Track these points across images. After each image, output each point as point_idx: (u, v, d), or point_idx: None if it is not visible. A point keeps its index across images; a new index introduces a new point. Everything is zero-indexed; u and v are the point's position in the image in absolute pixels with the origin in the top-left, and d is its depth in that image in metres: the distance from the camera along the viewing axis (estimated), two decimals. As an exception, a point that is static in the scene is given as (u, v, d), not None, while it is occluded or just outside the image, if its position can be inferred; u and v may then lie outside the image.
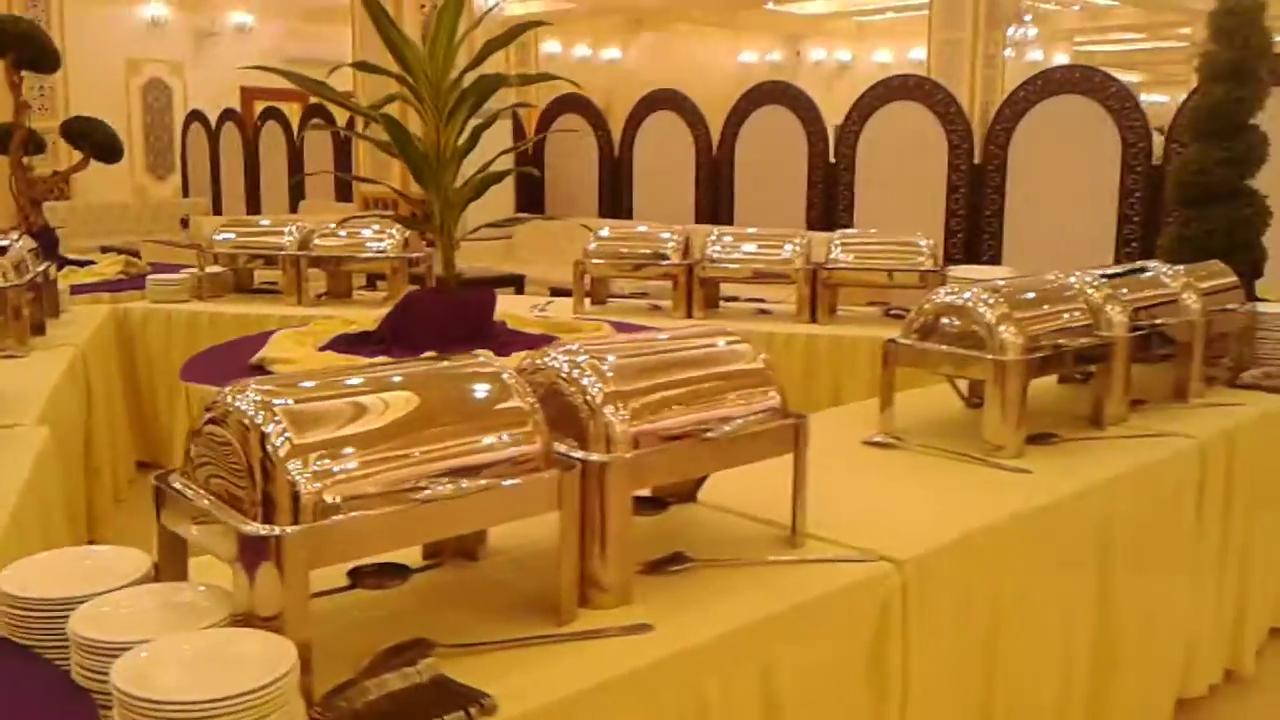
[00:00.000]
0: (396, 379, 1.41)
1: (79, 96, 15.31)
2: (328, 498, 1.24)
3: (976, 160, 6.96)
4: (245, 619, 1.20)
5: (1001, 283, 2.54)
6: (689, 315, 4.07)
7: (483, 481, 1.36)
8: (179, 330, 4.24)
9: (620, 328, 3.26)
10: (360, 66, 3.02)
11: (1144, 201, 6.34)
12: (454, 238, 3.03)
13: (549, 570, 1.46)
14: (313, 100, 12.69)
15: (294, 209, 11.18)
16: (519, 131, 8.04)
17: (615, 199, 8.54)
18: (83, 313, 4.10)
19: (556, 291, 6.10)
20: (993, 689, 1.88)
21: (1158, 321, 2.67)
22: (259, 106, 14.03)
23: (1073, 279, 2.66)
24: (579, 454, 1.47)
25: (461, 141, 2.93)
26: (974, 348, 2.31)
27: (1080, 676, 2.12)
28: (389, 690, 1.21)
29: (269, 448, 1.24)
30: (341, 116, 10.20)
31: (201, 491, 1.30)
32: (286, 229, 4.47)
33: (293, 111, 12.68)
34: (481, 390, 1.45)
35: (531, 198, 8.82)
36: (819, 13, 21.88)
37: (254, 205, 11.84)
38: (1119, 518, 2.16)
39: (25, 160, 4.79)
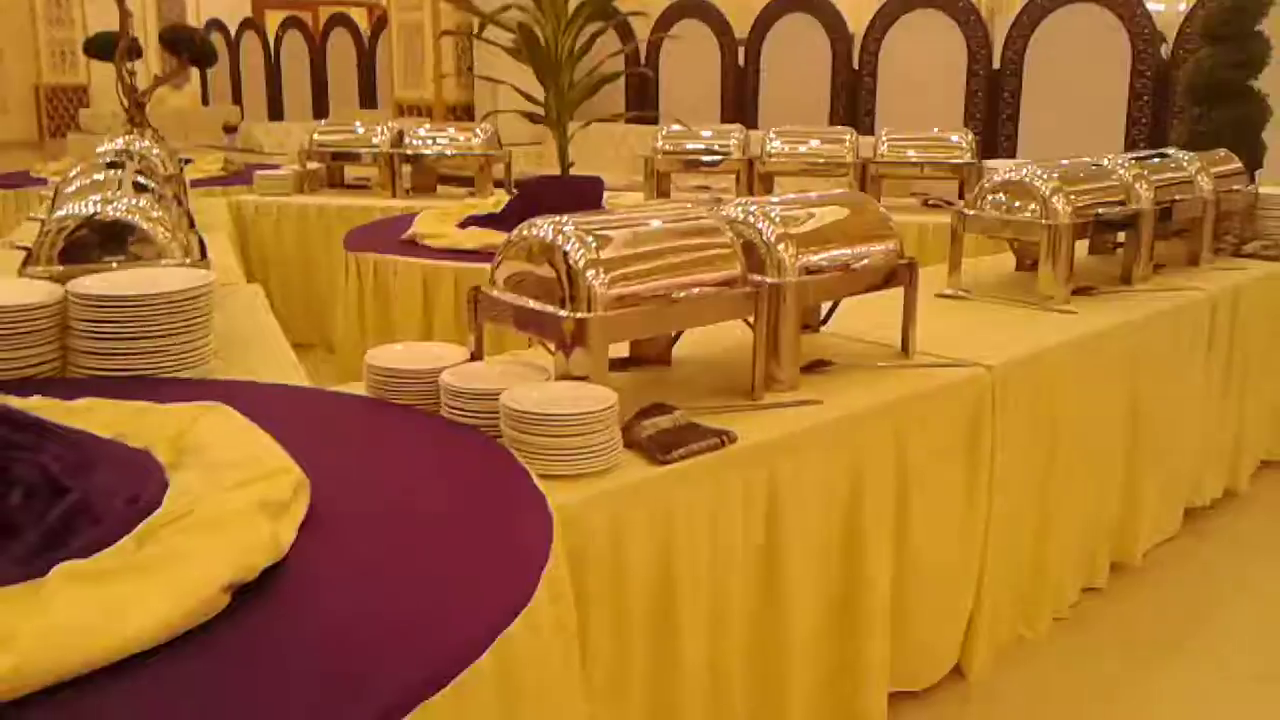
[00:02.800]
0: (652, 222, 1.91)
1: (95, 5, 15.49)
2: (612, 294, 1.75)
3: (995, 65, 7.37)
4: (564, 377, 1.72)
5: (1051, 164, 3.03)
6: (750, 205, 4.55)
7: (709, 295, 1.88)
8: (289, 220, 4.70)
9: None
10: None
11: (1151, 104, 6.79)
12: (568, 132, 3.51)
13: (728, 369, 1.98)
14: (335, 10, 13.00)
15: (321, 115, 11.54)
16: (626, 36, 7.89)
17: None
18: (203, 205, 4.57)
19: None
20: (1052, 473, 2.43)
21: (1177, 198, 3.18)
22: (270, 16, 14.26)
23: (1105, 161, 3.15)
24: (759, 277, 1.99)
25: (578, 46, 3.39)
26: (1030, 216, 2.82)
27: (1115, 473, 2.67)
28: (661, 427, 1.74)
29: (573, 260, 1.75)
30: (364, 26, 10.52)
31: (517, 296, 1.82)
32: (378, 129, 4.91)
33: (312, 20, 12.95)
34: (705, 231, 1.95)
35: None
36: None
37: (276, 112, 12.15)
38: (1145, 351, 2.69)
39: (128, 66, 5.20)
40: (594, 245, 1.78)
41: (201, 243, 2.49)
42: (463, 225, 3.47)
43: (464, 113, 9.50)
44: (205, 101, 13.87)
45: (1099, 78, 6.90)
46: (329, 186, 5.08)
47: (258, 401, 1.67)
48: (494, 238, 3.21)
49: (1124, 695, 2.35)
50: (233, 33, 12.82)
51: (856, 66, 8.04)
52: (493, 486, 1.47)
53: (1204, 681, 2.41)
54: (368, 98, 11.30)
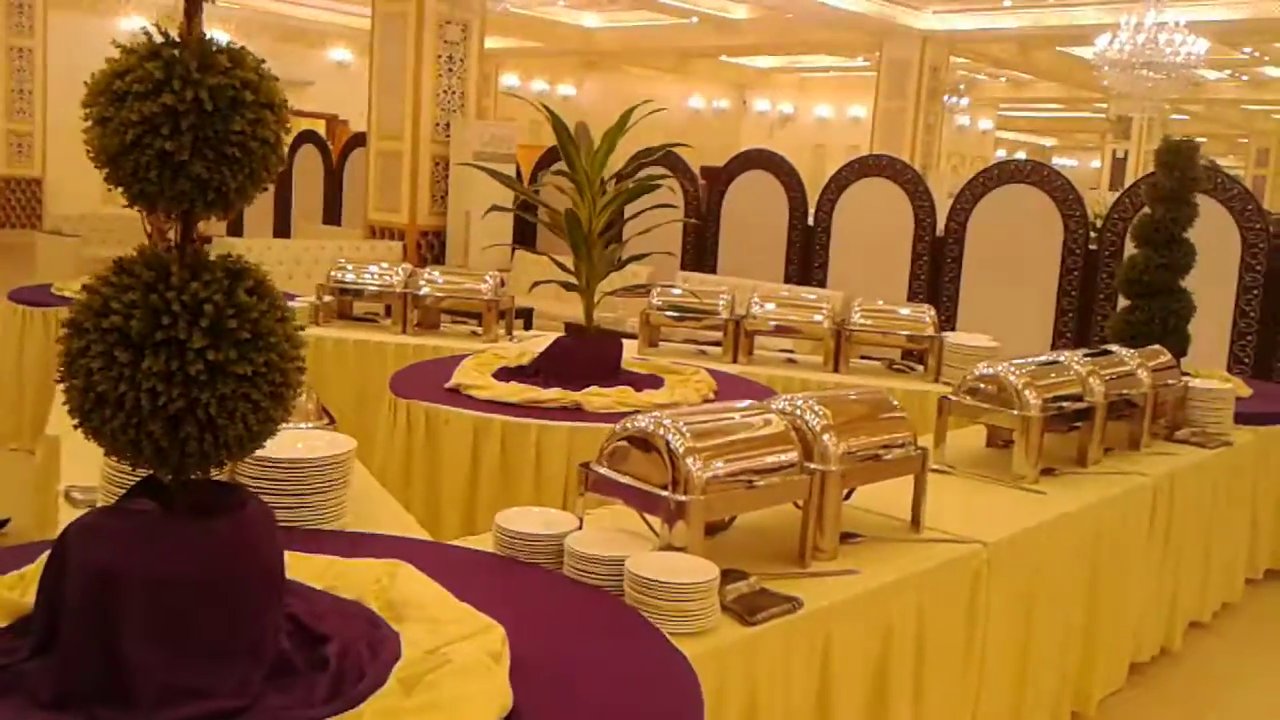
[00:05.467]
0: (729, 417, 2.33)
1: (57, 105, 15.73)
2: (705, 478, 2.15)
3: (940, 233, 8.06)
4: (666, 547, 2.11)
5: (1020, 361, 3.52)
6: (734, 361, 5.01)
7: (775, 479, 2.29)
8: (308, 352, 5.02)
9: (713, 373, 4.19)
10: (558, 173, 3.88)
11: (1080, 280, 7.49)
12: (594, 296, 3.95)
13: (777, 537, 2.39)
14: (305, 126, 13.47)
15: (282, 231, 11.88)
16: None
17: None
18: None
19: (572, 328, 7.02)
20: (1030, 635, 2.85)
21: (1124, 391, 3.70)
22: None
23: (1062, 358, 3.67)
24: (813, 465, 2.41)
25: (606, 221, 3.86)
26: (1005, 406, 3.30)
27: (1076, 634, 3.11)
28: (741, 592, 2.13)
29: (675, 448, 2.15)
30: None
31: (624, 475, 2.21)
32: (394, 271, 5.32)
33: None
34: (768, 425, 2.37)
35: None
36: (766, 66, 23.18)
37: (235, 228, 12.29)
38: (1102, 528, 3.16)
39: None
40: (690, 436, 2.19)
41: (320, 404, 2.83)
42: (499, 376, 3.85)
43: (435, 236, 9.96)
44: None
45: (1035, 252, 7.60)
46: (339, 318, 5.42)
47: (406, 557, 2.01)
48: (536, 393, 3.60)
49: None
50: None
51: (811, 223, 8.69)
52: (634, 641, 1.84)
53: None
54: (332, 215, 11.68)
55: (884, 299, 5.43)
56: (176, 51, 1.44)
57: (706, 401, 3.79)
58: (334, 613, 1.73)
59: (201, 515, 1.50)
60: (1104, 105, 21.84)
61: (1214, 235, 4.95)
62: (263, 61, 1.52)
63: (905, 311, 5.13)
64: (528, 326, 7.20)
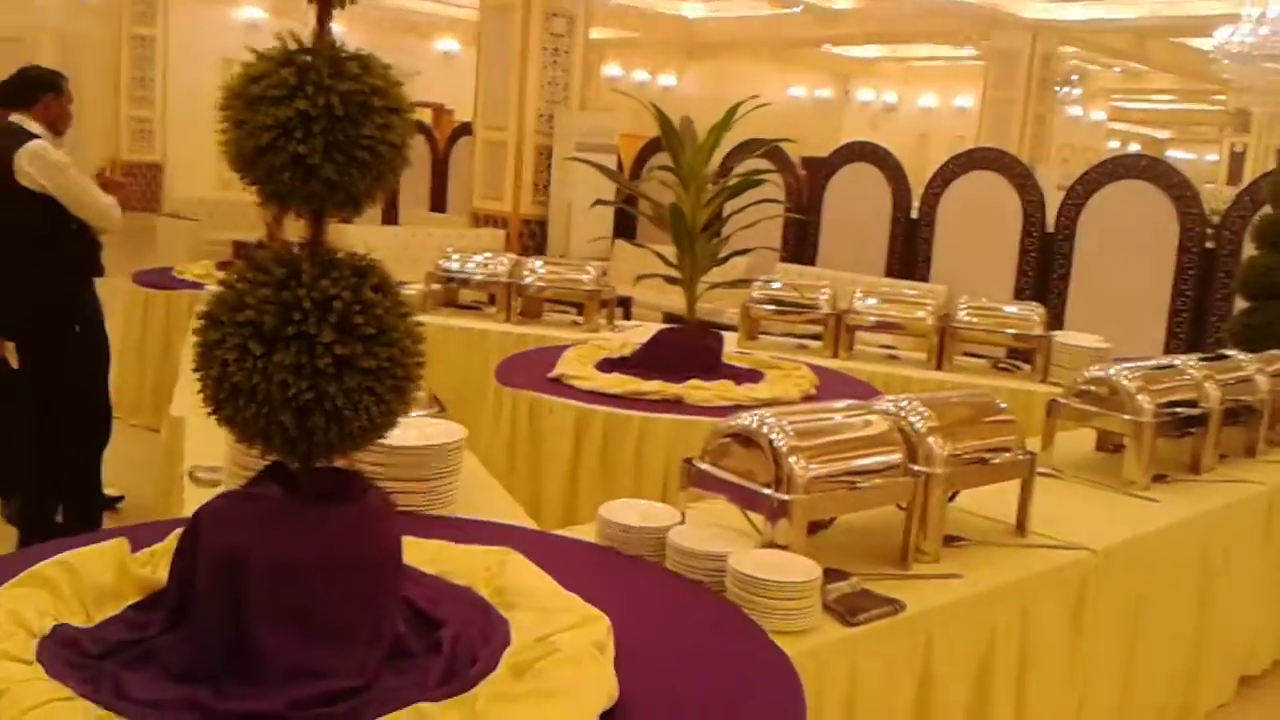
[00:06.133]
0: (832, 417, 2.34)
1: (176, 92, 16.30)
2: (809, 477, 2.16)
3: (1049, 229, 7.88)
4: (769, 544, 2.13)
5: (1133, 364, 3.45)
6: (835, 356, 4.98)
7: (879, 480, 2.29)
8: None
9: (813, 368, 4.18)
10: (664, 168, 3.92)
11: (1195, 279, 7.26)
12: (696, 289, 3.97)
13: (879, 537, 2.38)
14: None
15: (392, 220, 12.11)
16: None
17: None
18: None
19: (670, 318, 7.05)
20: (1135, 647, 2.80)
21: (1240, 398, 3.59)
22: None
23: (1177, 362, 3.58)
24: (917, 467, 2.40)
25: (710, 215, 3.88)
26: (1117, 410, 3.24)
27: (1184, 645, 3.04)
28: (843, 592, 2.13)
29: (779, 447, 2.16)
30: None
31: (727, 472, 2.23)
32: (499, 260, 5.41)
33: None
34: (872, 425, 2.37)
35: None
36: (869, 56, 22.88)
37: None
38: (1215, 537, 3.08)
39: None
40: (794, 435, 2.20)
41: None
42: (601, 368, 3.89)
43: (537, 225, 10.07)
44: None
45: (1148, 249, 7.38)
46: (445, 305, 5.53)
47: (512, 544, 2.06)
48: (638, 385, 3.64)
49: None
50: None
51: (915, 216, 8.57)
52: (735, 637, 1.86)
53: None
54: (439, 203, 11.89)
55: (989, 296, 5.34)
56: (309, 58, 1.49)
57: (808, 397, 3.79)
58: (447, 598, 1.79)
59: (326, 502, 1.57)
60: (1222, 98, 21.08)
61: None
62: (389, 66, 1.57)
63: (1012, 309, 5.04)
64: (627, 316, 7.26)
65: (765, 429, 2.21)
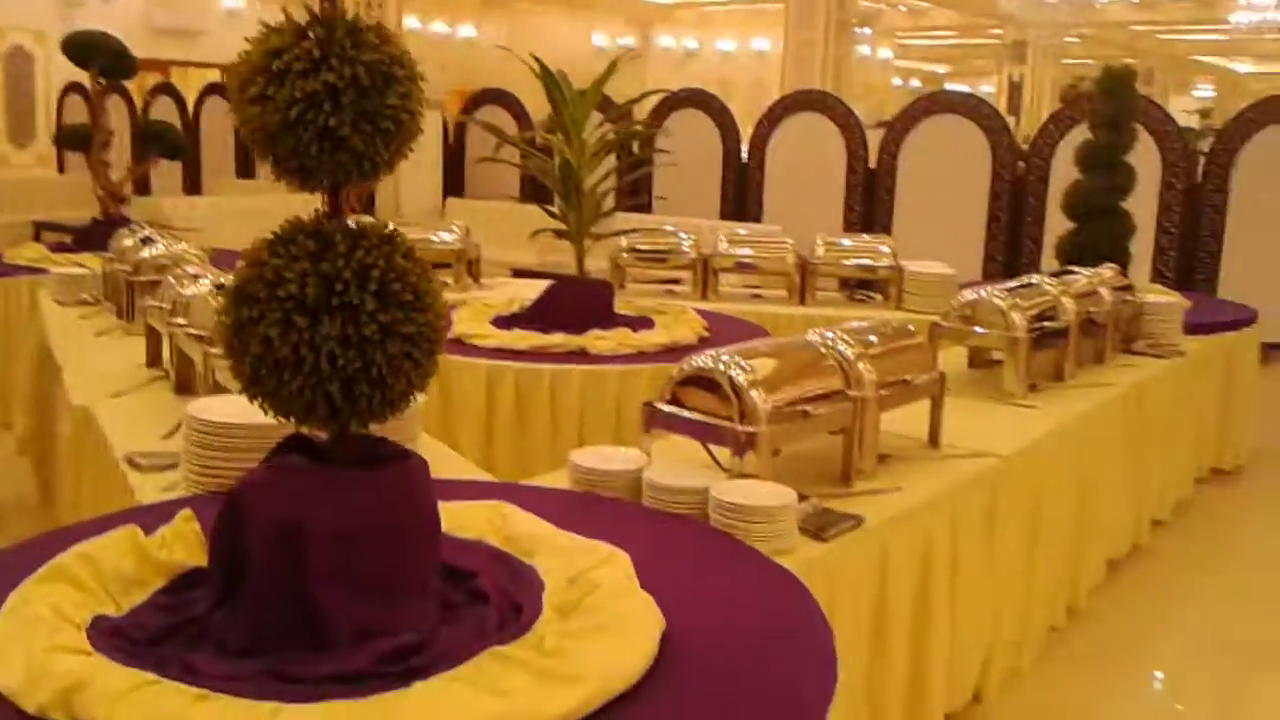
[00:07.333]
0: (778, 352, 2.48)
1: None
2: (769, 409, 2.30)
3: (871, 165, 8.28)
4: (739, 475, 2.26)
5: (998, 286, 3.73)
6: (704, 298, 5.16)
7: (825, 408, 2.46)
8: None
9: (703, 313, 4.33)
10: (551, 124, 3.95)
11: (1008, 204, 7.80)
12: (584, 242, 4.05)
13: (819, 461, 2.57)
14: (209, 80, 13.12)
15: (194, 191, 11.57)
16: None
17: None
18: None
19: (518, 272, 7.09)
20: (1036, 538, 3.09)
21: (1091, 309, 3.95)
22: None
23: (1034, 279, 3.90)
24: (853, 392, 2.58)
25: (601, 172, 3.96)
26: (994, 328, 3.52)
27: (1069, 535, 3.36)
28: (807, 514, 2.29)
29: (740, 382, 2.30)
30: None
31: (689, 411, 2.35)
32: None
33: (189, 85, 13.01)
34: (817, 356, 2.53)
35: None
36: (668, 2, 23.10)
37: (142, 186, 11.95)
38: (1088, 437, 3.41)
39: (104, 158, 5.44)
40: (751, 371, 2.34)
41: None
42: (497, 325, 3.94)
43: (368, 197, 9.85)
44: (61, 169, 13.51)
45: (966, 178, 7.87)
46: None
47: (493, 498, 2.12)
48: (542, 339, 3.71)
49: (1095, 703, 3.02)
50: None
51: (744, 159, 8.84)
52: (738, 561, 1.99)
53: (1141, 687, 3.11)
54: (245, 167, 11.44)
55: (820, 232, 5.60)
56: (323, 30, 1.51)
57: (702, 339, 3.94)
58: (469, 551, 1.85)
59: (370, 467, 1.60)
60: (999, 31, 22.33)
61: (1134, 156, 5.26)
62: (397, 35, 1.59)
63: (865, 244, 5.33)
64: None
65: (723, 368, 2.34)
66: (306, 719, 1.34)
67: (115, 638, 1.53)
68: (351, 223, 1.59)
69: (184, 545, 1.79)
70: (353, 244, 1.54)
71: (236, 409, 2.27)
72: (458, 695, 1.40)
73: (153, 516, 1.89)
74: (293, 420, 1.58)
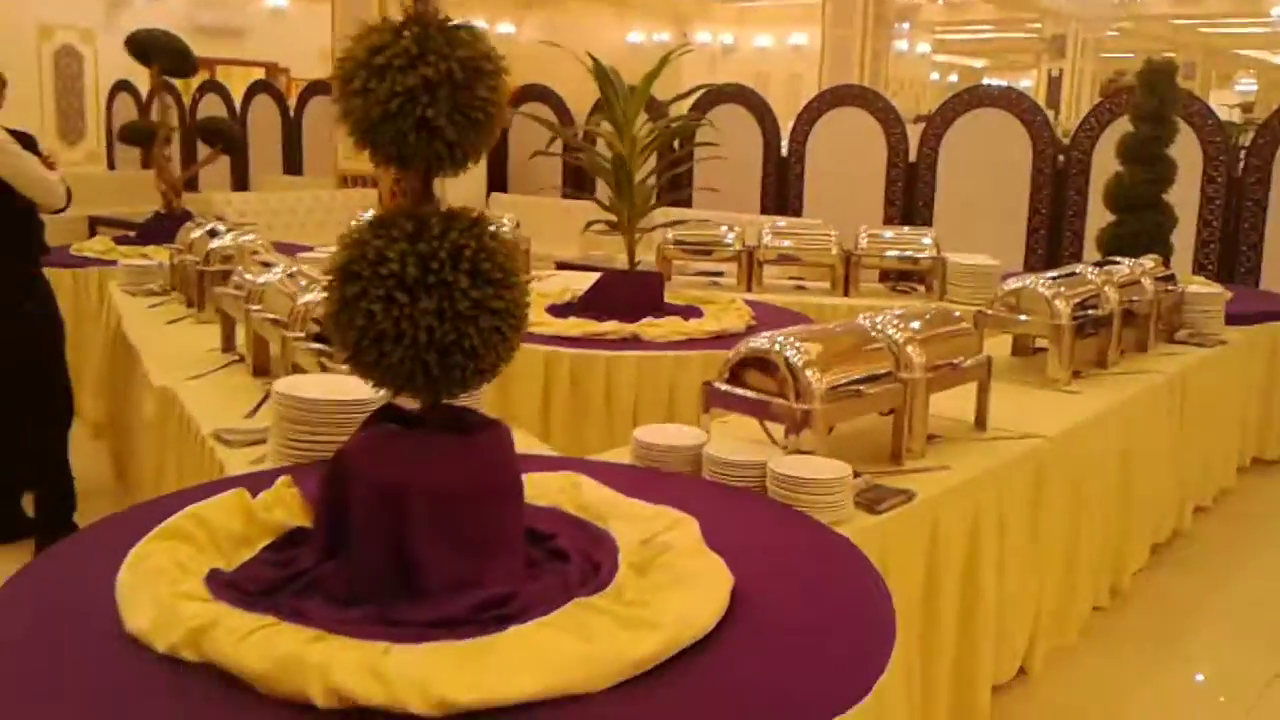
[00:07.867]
0: (830, 336, 2.59)
1: (-4, 63, 15.35)
2: (824, 388, 2.41)
3: (912, 159, 8.34)
4: (795, 451, 2.37)
5: (1043, 276, 3.82)
6: (748, 290, 5.26)
7: (876, 389, 2.56)
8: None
9: (749, 303, 4.44)
10: (601, 116, 4.06)
11: (1049, 197, 7.84)
12: (634, 234, 4.17)
13: (870, 442, 2.67)
14: (257, 78, 13.37)
15: (241, 187, 11.77)
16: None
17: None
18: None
19: (562, 265, 7.22)
20: (1080, 519, 3.18)
21: (1134, 299, 4.02)
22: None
23: (1077, 269, 3.98)
24: (902, 374, 2.68)
25: (647, 166, 4.07)
26: (1038, 316, 3.60)
27: (1112, 519, 3.44)
28: (860, 489, 2.40)
29: (795, 362, 2.41)
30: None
31: (746, 390, 2.47)
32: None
33: (232, 83, 13.22)
34: (868, 339, 2.64)
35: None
36: (705, -3, 23.19)
37: (189, 183, 12.16)
38: (1131, 422, 3.49)
39: (166, 153, 5.62)
40: (806, 352, 2.45)
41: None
42: (552, 313, 4.06)
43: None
44: (111, 165, 13.74)
45: (1007, 172, 7.91)
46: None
47: (566, 471, 2.25)
48: (595, 327, 3.84)
49: (1138, 682, 3.11)
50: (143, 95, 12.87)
51: (784, 154, 8.92)
52: (800, 529, 2.10)
53: (1183, 669, 3.20)
54: (292, 165, 11.61)
55: (861, 225, 5.68)
56: (419, 28, 1.63)
57: (750, 328, 4.05)
58: (546, 516, 1.97)
59: (462, 433, 1.73)
60: (1038, 25, 22.22)
61: (1175, 149, 5.32)
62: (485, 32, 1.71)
63: (907, 235, 5.41)
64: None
65: (779, 348, 2.45)
66: (414, 657, 1.46)
67: (230, 589, 1.66)
68: (455, 207, 1.72)
69: (285, 508, 1.92)
70: (446, 226, 1.66)
71: (319, 387, 2.42)
72: (548, 639, 1.52)
73: (248, 484, 2.03)
74: (392, 389, 1.71)
